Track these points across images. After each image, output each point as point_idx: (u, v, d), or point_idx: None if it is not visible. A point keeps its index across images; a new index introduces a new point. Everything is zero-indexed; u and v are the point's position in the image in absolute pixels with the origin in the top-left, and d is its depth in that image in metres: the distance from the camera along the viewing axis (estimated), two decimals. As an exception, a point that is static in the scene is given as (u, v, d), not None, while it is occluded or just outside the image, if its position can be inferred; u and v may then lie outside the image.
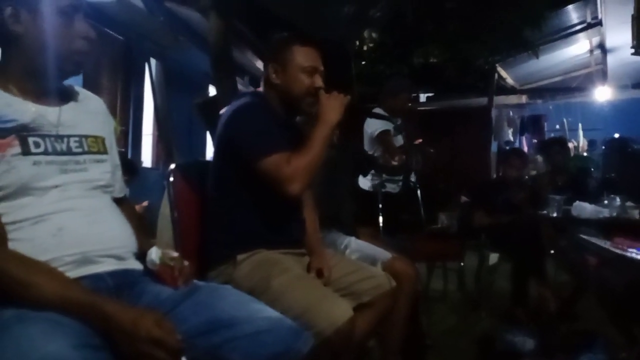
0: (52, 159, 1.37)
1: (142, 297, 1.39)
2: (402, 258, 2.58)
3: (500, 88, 10.45)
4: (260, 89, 2.18)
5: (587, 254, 2.81)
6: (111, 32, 6.67)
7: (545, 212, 3.89)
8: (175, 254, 1.55)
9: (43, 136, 1.37)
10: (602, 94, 11.51)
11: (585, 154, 12.34)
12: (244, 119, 2.00)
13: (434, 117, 9.01)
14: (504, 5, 6.87)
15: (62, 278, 1.25)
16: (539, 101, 12.06)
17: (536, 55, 7.94)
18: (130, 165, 4.96)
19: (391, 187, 4.36)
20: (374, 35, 8.79)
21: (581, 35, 8.87)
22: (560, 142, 5.17)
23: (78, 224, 1.36)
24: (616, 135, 9.51)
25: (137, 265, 1.48)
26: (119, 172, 1.65)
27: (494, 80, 9.54)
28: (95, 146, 1.49)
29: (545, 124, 12.57)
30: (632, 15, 6.23)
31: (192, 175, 2.16)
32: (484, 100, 9.57)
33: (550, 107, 12.92)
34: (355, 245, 2.63)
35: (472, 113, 9.52)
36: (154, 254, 1.49)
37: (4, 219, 1.28)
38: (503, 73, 10.09)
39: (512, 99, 11.44)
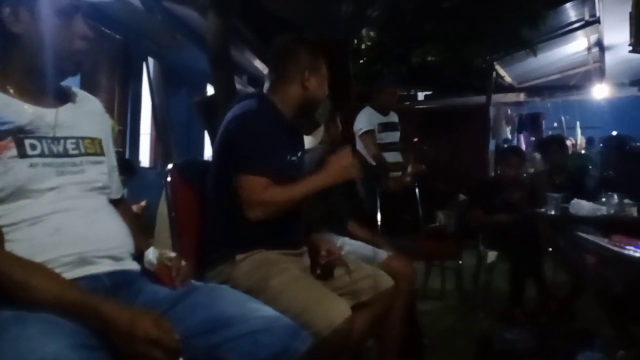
0: (49, 161, 1.37)
1: (140, 297, 1.39)
2: (398, 257, 2.59)
3: (499, 86, 10.47)
4: (268, 90, 2.16)
5: (585, 252, 2.81)
6: (109, 31, 6.67)
7: (543, 210, 3.89)
8: (173, 254, 1.55)
9: (40, 138, 1.37)
10: (600, 91, 11.55)
11: (583, 151, 12.35)
12: (245, 127, 1.99)
13: (432, 116, 9.02)
14: (502, 4, 6.88)
15: (59, 279, 1.25)
16: (537, 99, 12.08)
17: (534, 53, 7.95)
18: (128, 165, 4.95)
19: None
20: (372, 34, 8.80)
21: (579, 33, 8.88)
22: (558, 140, 5.17)
23: (75, 225, 1.36)
24: (614, 133, 9.48)
25: (134, 266, 1.48)
26: (116, 174, 1.65)
27: (492, 78, 9.55)
28: (92, 148, 1.49)
29: (544, 122, 12.58)
30: (630, 13, 6.23)
31: (190, 174, 2.16)
32: (482, 99, 9.58)
33: (549, 105, 12.94)
34: (349, 247, 2.63)
35: (470, 111, 9.52)
36: (152, 254, 1.49)
37: (1, 221, 1.28)
38: (501, 71, 10.11)
39: (511, 97, 11.46)
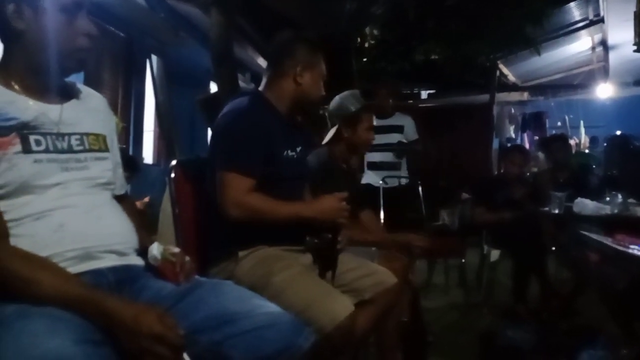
0: (53, 157, 1.37)
1: (144, 293, 1.39)
2: (391, 253, 2.58)
3: (502, 85, 10.44)
4: (264, 86, 2.16)
5: (588, 251, 2.81)
6: (112, 28, 6.67)
7: (546, 208, 3.89)
8: (177, 250, 1.55)
9: (44, 134, 1.38)
10: (604, 91, 11.51)
11: (586, 151, 12.34)
12: (235, 123, 2.00)
13: (436, 114, 9.01)
14: (506, 2, 6.86)
15: (64, 274, 1.26)
16: (541, 98, 12.04)
17: (538, 52, 7.92)
18: (131, 162, 4.96)
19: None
20: (375, 32, 8.78)
21: (583, 32, 8.84)
22: (561, 139, 5.17)
23: (79, 220, 1.36)
24: (618, 133, 9.48)
25: (138, 261, 1.48)
26: (120, 170, 1.65)
27: (496, 77, 9.52)
28: (96, 144, 1.49)
29: (547, 121, 12.56)
30: (635, 13, 6.21)
31: (193, 171, 2.16)
32: (485, 97, 9.55)
33: (552, 104, 12.90)
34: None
35: (473, 110, 9.52)
36: (156, 249, 1.49)
37: (6, 217, 1.29)
38: (505, 70, 10.08)
39: (514, 96, 11.42)
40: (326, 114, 2.82)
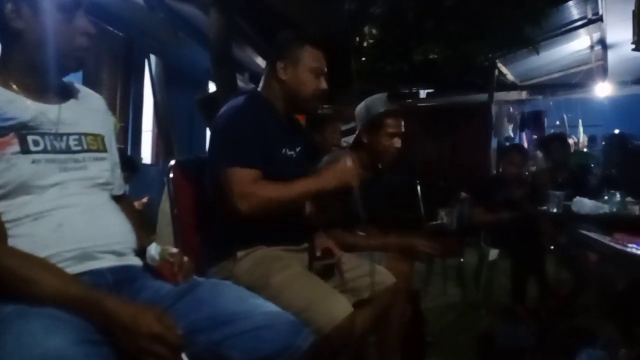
0: (52, 157, 1.37)
1: (142, 293, 1.39)
2: (396, 256, 2.57)
3: (501, 84, 10.44)
4: (261, 86, 2.16)
5: (587, 250, 2.81)
6: (111, 28, 6.67)
7: (545, 208, 3.89)
8: (175, 250, 1.55)
9: (42, 134, 1.38)
10: (603, 90, 11.50)
11: (585, 150, 12.35)
12: (232, 121, 1.98)
13: (435, 114, 9.01)
14: (505, 2, 6.87)
15: (62, 274, 1.25)
16: (539, 97, 12.03)
17: (536, 51, 7.93)
18: (130, 162, 4.97)
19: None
20: (374, 32, 8.79)
21: (582, 31, 8.85)
22: (560, 138, 5.18)
23: (78, 220, 1.36)
24: (616, 132, 9.48)
25: (136, 261, 1.48)
26: (118, 170, 1.65)
27: (494, 76, 9.52)
28: (94, 144, 1.49)
29: (546, 120, 12.55)
30: (633, 11, 6.20)
31: (192, 171, 2.16)
32: (484, 97, 9.56)
33: (551, 103, 12.89)
34: None
35: (472, 109, 9.52)
36: (154, 250, 1.49)
37: (4, 217, 1.29)
38: (503, 69, 10.08)
39: (513, 95, 11.42)
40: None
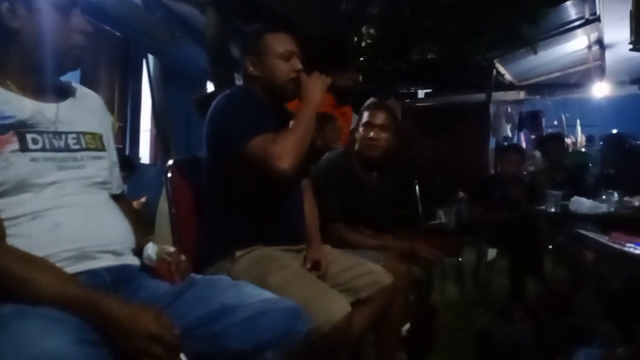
0: (50, 155, 1.37)
1: (140, 293, 1.39)
2: (395, 257, 2.57)
3: (499, 84, 10.44)
4: (242, 86, 2.17)
5: (585, 249, 2.82)
6: (109, 28, 6.66)
7: (543, 207, 3.90)
8: (172, 249, 1.55)
9: (41, 133, 1.37)
10: (600, 89, 11.53)
11: (583, 149, 12.36)
12: (226, 107, 1.98)
13: (432, 113, 9.01)
14: (502, 1, 6.87)
15: (60, 274, 1.25)
16: (537, 97, 12.05)
17: (534, 51, 7.94)
18: (128, 162, 4.95)
19: None
20: (372, 31, 8.78)
21: (579, 31, 8.86)
22: (558, 138, 5.19)
23: (75, 220, 1.36)
24: (614, 131, 9.50)
25: (134, 261, 1.48)
26: (117, 169, 1.65)
27: (492, 76, 9.53)
28: (93, 143, 1.49)
29: (544, 119, 12.56)
30: (630, 12, 6.21)
31: (189, 171, 2.16)
32: (482, 96, 9.55)
33: (549, 103, 12.91)
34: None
35: (470, 109, 9.50)
36: (151, 249, 1.49)
37: (2, 215, 1.28)
38: (501, 69, 10.08)
39: (511, 95, 11.43)
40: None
